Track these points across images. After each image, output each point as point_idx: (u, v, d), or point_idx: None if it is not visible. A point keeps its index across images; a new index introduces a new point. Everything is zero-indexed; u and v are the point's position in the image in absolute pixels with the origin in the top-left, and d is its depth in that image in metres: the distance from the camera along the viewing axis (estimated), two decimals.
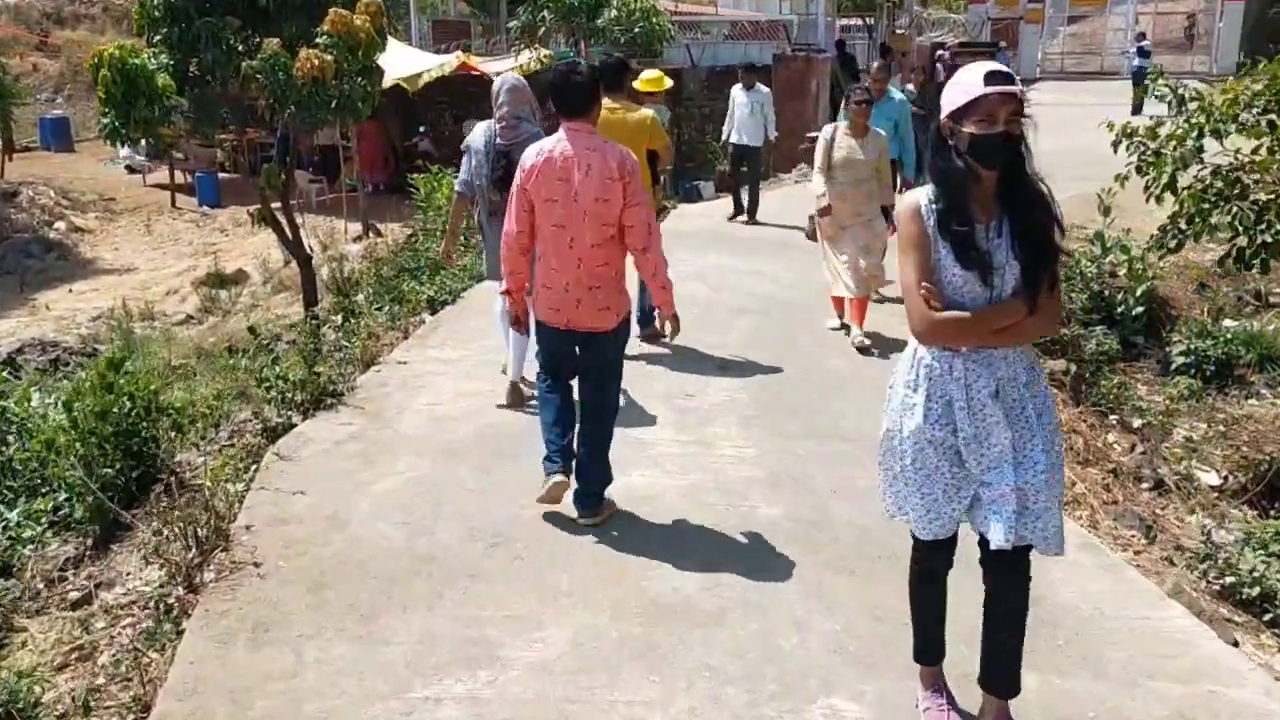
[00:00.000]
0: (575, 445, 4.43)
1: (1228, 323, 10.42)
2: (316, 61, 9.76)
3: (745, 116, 12.11)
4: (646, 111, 6.55)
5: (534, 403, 5.24)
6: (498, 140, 5.56)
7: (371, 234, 17.62)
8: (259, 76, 9.83)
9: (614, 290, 4.29)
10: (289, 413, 5.69)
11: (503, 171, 5.38)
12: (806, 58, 18.59)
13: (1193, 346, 9.66)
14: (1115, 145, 9.76)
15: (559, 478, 4.35)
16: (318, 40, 10.14)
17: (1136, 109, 23.03)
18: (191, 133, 15.48)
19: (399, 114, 21.77)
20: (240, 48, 10.52)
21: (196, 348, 14.16)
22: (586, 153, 4.12)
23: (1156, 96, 8.93)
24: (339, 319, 9.28)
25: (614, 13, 17.78)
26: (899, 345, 6.37)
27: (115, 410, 5.32)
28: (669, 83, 8.87)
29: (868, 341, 7.00)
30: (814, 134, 18.28)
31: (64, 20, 33.01)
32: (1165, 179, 9.15)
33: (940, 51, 25.64)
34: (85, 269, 19.13)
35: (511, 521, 4.46)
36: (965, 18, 29.34)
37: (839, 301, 7.36)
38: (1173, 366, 9.75)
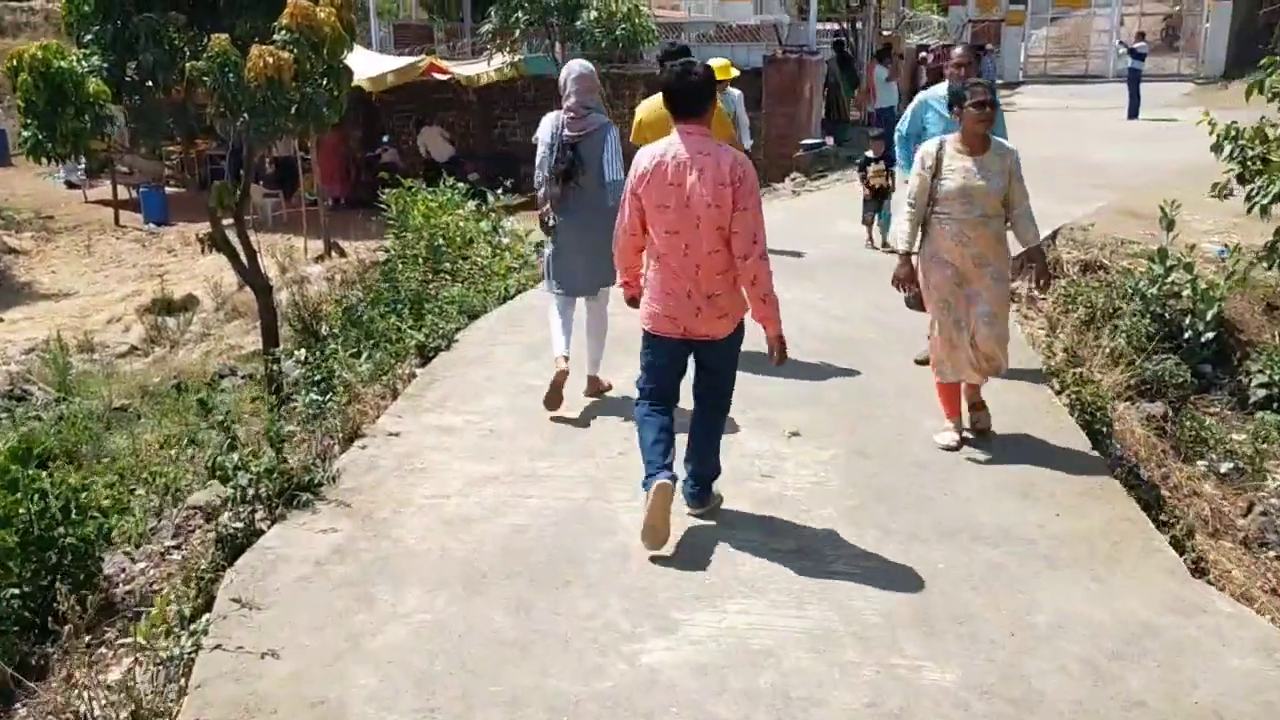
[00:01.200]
0: (687, 441, 4.35)
1: None
2: (272, 60, 8.37)
3: None
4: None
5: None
6: (565, 131, 5.35)
7: (334, 253, 16.17)
8: (206, 79, 8.41)
9: (732, 298, 4.18)
10: (252, 511, 4.32)
11: (567, 165, 5.30)
12: (799, 60, 17.40)
13: (1275, 377, 8.62)
14: (1217, 149, 8.68)
15: (664, 479, 4.10)
16: (275, 37, 8.75)
17: (1133, 113, 22.22)
18: (131, 146, 13.95)
19: (360, 122, 20.35)
20: (185, 47, 9.10)
21: (141, 386, 12.71)
22: (700, 156, 4.01)
23: (1272, 94, 7.91)
24: (308, 368, 7.91)
25: (594, 14, 16.51)
26: (1019, 441, 5.05)
27: (23, 513, 4.08)
28: (735, 71, 8.19)
29: (967, 438, 5.23)
30: (808, 141, 17.28)
31: (3, 29, 31.15)
32: (1277, 188, 8.09)
33: (924, 54, 24.69)
34: (19, 295, 17.46)
35: (577, 705, 3.14)
36: (946, 19, 28.39)
37: (949, 394, 5.26)
38: (1251, 400, 8.75)
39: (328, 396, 6.89)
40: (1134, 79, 21.97)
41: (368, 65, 17.17)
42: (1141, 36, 22.47)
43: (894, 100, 17.56)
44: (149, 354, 14.80)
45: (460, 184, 11.44)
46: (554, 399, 5.45)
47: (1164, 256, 9.31)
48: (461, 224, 10.26)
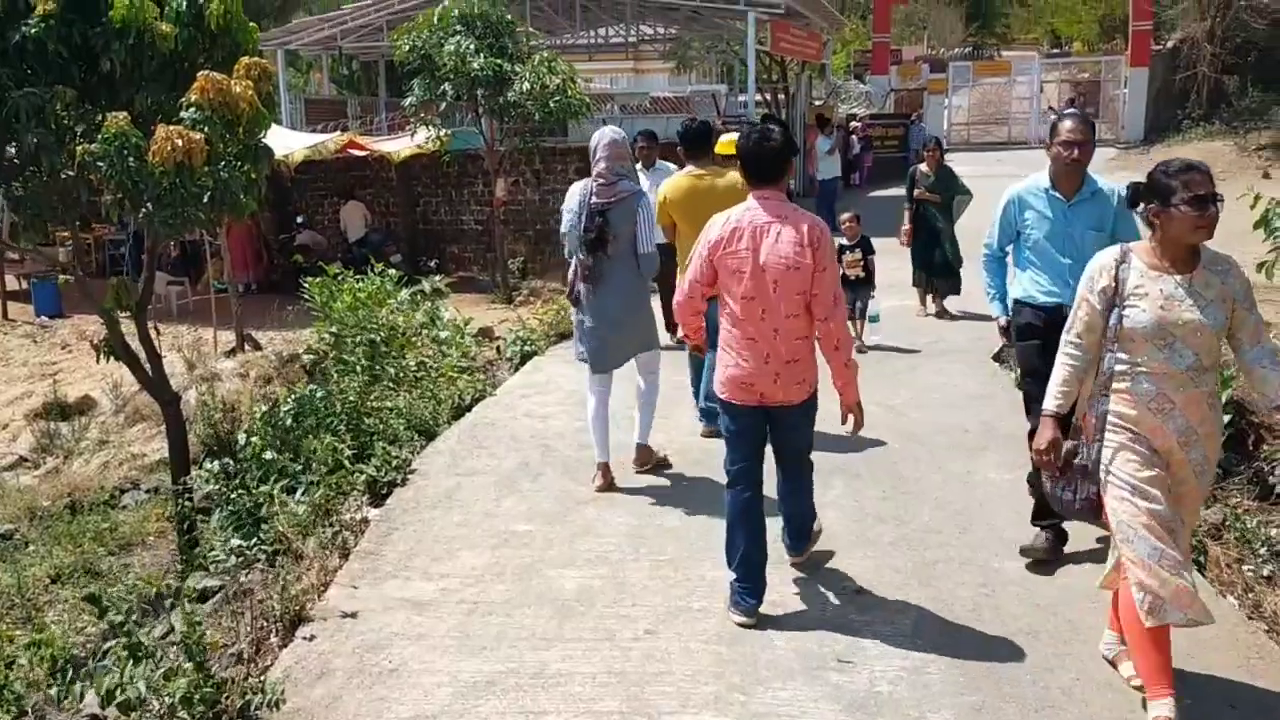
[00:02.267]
0: (778, 503, 4.36)
1: None
2: (181, 142, 7.19)
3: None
4: (734, 175, 5.72)
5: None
6: (593, 198, 5.23)
7: (248, 346, 14.79)
8: (100, 164, 7.18)
9: (810, 363, 4.15)
10: None
11: (596, 233, 5.18)
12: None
13: None
14: (1261, 225, 8.03)
15: (748, 619, 4.02)
16: (182, 115, 7.57)
17: None
18: (11, 237, 12.52)
19: (272, 202, 19.09)
20: (76, 126, 7.86)
21: (29, 506, 11.15)
22: (777, 220, 4.02)
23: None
24: (225, 495, 6.62)
25: (525, 85, 15.62)
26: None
27: None
28: None
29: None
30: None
31: None
32: None
33: (854, 123, 24.44)
34: None
35: None
36: (870, 89, 28.33)
37: (1159, 644, 3.30)
38: (1275, 490, 8.07)
39: (254, 543, 5.66)
40: None
41: (280, 142, 15.98)
42: (1072, 103, 22.49)
43: (836, 172, 17.00)
44: (40, 465, 13.19)
45: (391, 269, 10.30)
46: (604, 488, 5.38)
47: None
48: (400, 318, 9.14)
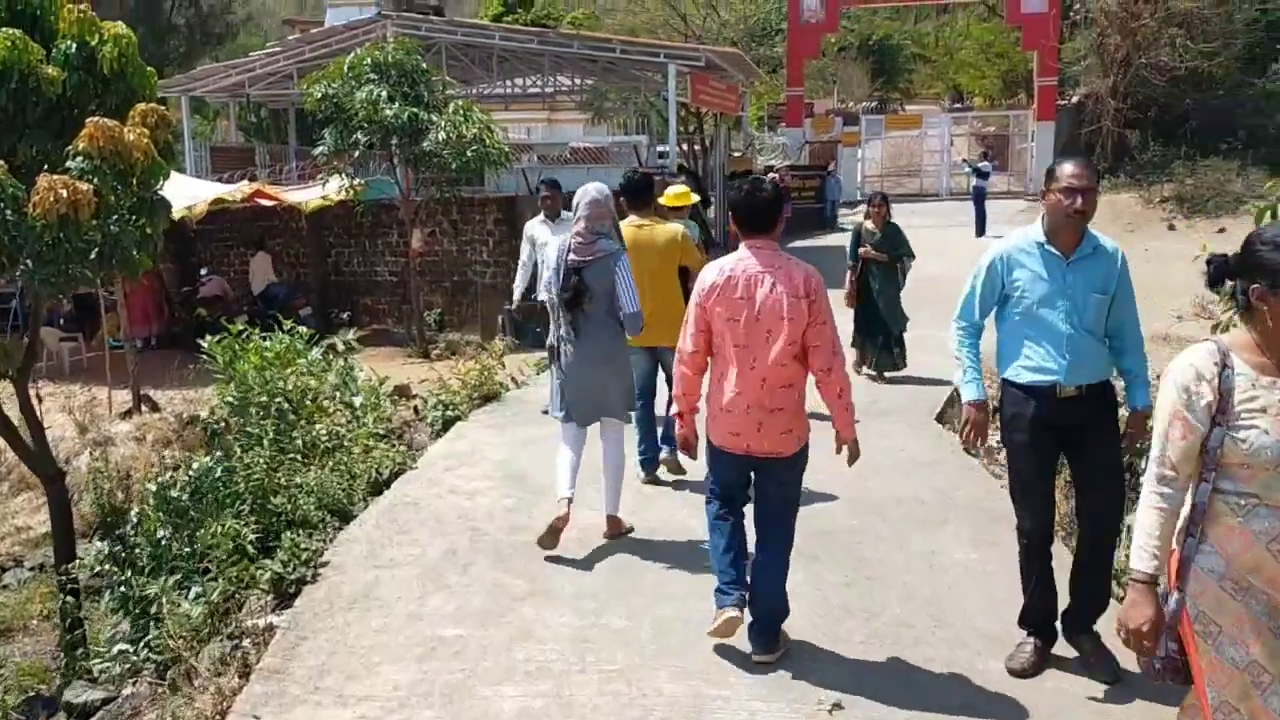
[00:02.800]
0: (750, 576, 4.18)
1: None
2: (66, 193, 6.54)
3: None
4: (676, 226, 6.36)
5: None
6: (570, 255, 5.17)
7: (145, 407, 13.87)
8: None
9: (797, 413, 4.12)
10: None
11: (573, 292, 5.14)
12: (663, 181, 16.43)
13: None
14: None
15: (734, 612, 4.10)
16: (69, 164, 6.93)
17: (980, 230, 22.41)
18: None
19: (174, 254, 18.20)
20: None
21: None
22: (770, 270, 4.02)
23: None
24: (112, 583, 5.92)
25: (442, 134, 15.16)
26: None
27: None
28: (696, 197, 8.05)
29: None
30: None
31: None
32: None
33: (771, 175, 24.48)
34: None
35: None
36: (786, 141, 28.51)
37: None
38: None
39: (142, 646, 5.01)
40: (979, 197, 22.22)
41: (184, 192, 15.22)
42: (985, 155, 22.81)
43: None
44: None
45: (300, 326, 9.64)
46: (551, 539, 5.17)
47: None
48: (310, 380, 8.48)
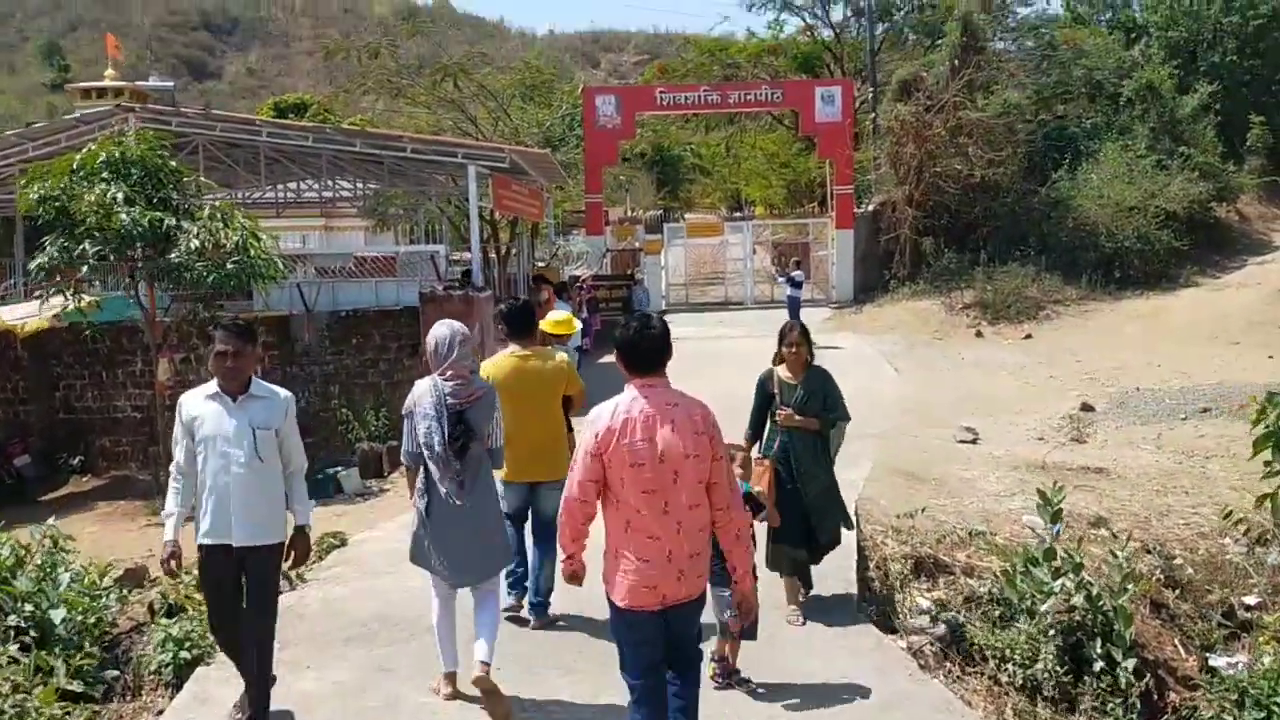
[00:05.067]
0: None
1: (1218, 662, 7.35)
2: None
3: None
4: (561, 355, 6.20)
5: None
6: (448, 400, 4.89)
7: None
8: None
9: (709, 554, 4.04)
10: None
11: (463, 438, 4.85)
12: (465, 297, 14.37)
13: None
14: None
15: None
16: None
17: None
18: None
19: None
20: None
21: None
22: (669, 408, 3.93)
23: None
24: None
25: (195, 243, 12.59)
26: None
27: None
28: (578, 324, 8.04)
29: None
30: None
31: None
32: None
33: (578, 285, 22.88)
34: None
35: None
36: (587, 249, 27.09)
37: None
38: None
39: None
40: (794, 306, 21.26)
41: None
42: (798, 265, 21.99)
43: (577, 342, 14.94)
44: None
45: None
46: (452, 697, 5.02)
47: (1051, 557, 6.98)
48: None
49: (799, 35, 35.94)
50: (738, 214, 53.71)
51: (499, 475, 5.38)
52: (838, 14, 34.90)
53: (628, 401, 3.93)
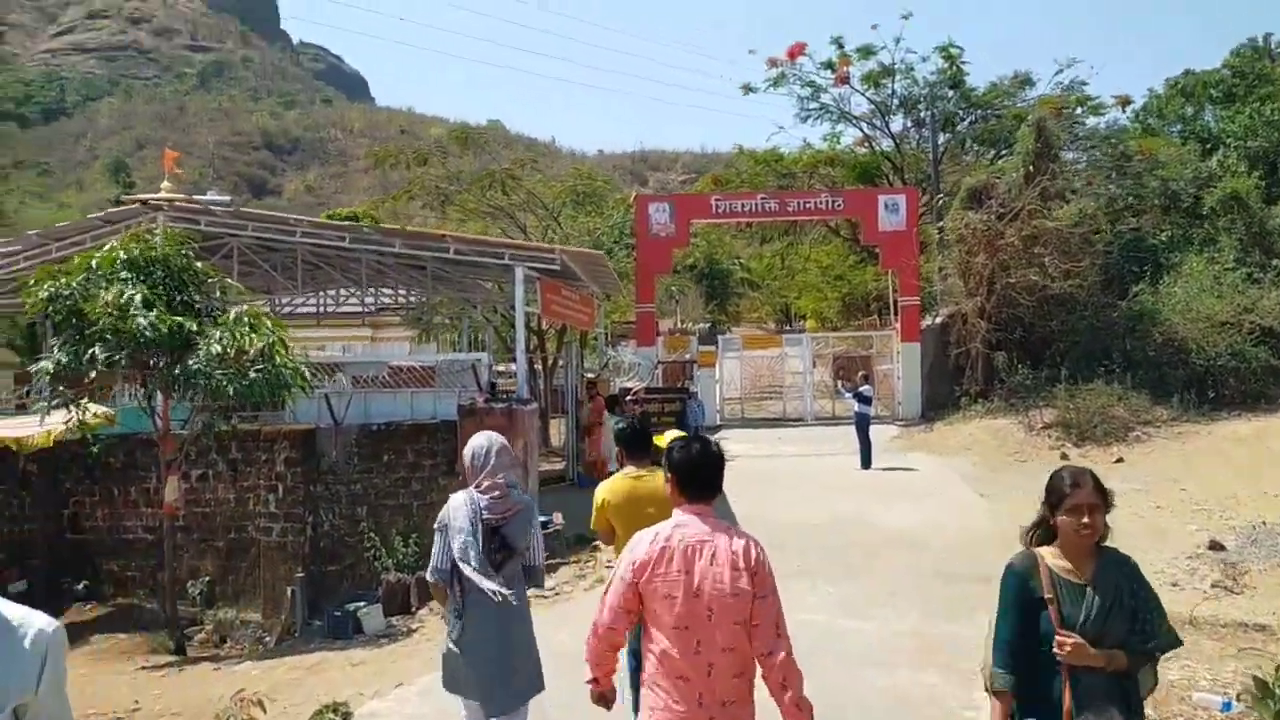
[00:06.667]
0: None
1: None
2: None
3: None
4: None
5: None
6: (484, 514, 4.77)
7: None
8: None
9: (747, 708, 3.64)
10: None
11: (501, 555, 4.75)
12: (508, 411, 12.99)
13: None
14: None
15: None
16: None
17: (866, 461, 19.77)
18: None
19: None
20: None
21: None
22: (710, 539, 3.66)
23: None
24: None
25: (216, 348, 11.40)
26: None
27: None
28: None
29: None
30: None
31: None
32: None
33: (628, 398, 21.53)
34: None
35: None
36: (639, 360, 25.79)
37: None
38: None
39: None
40: (863, 424, 19.66)
41: None
42: (866, 379, 20.42)
43: None
44: None
45: None
46: None
47: None
48: None
49: (857, 146, 35.09)
50: (787, 328, 52.53)
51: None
52: (897, 124, 34.06)
53: (669, 529, 3.74)
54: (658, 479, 5.48)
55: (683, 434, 6.61)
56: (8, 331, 28.47)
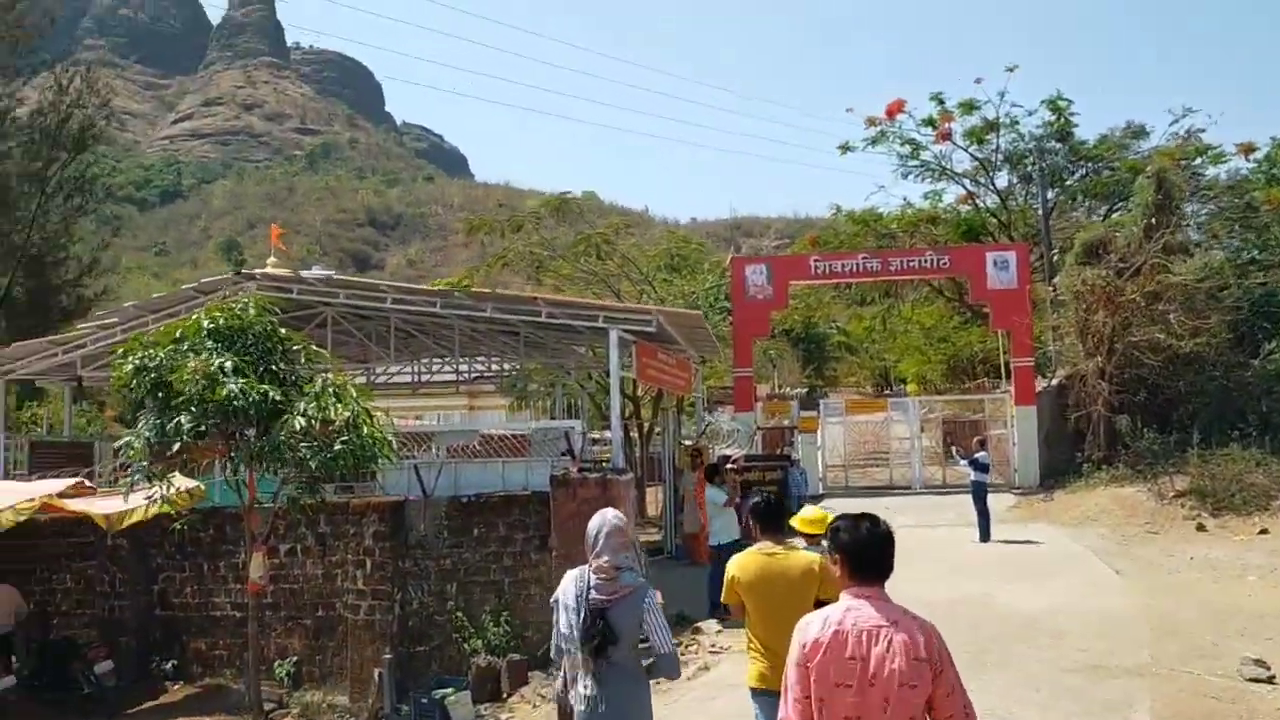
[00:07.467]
0: None
1: None
2: None
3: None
4: (814, 555, 5.62)
5: None
6: (591, 593, 4.63)
7: None
8: None
9: None
10: None
11: (600, 637, 4.54)
12: (602, 481, 12.28)
13: None
14: None
15: None
16: None
17: (985, 534, 18.51)
18: None
19: None
20: None
21: None
22: (888, 626, 3.49)
23: None
24: None
25: (300, 420, 10.98)
26: None
27: None
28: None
29: None
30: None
31: None
32: None
33: (729, 465, 20.65)
34: None
35: None
36: (738, 427, 24.95)
37: None
38: None
39: None
40: (980, 494, 18.43)
41: None
42: (983, 444, 19.20)
43: (735, 533, 12.63)
44: None
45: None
46: None
47: None
48: None
49: (960, 204, 33.98)
50: (887, 392, 50.97)
51: (747, 683, 5.32)
52: (1001, 180, 32.91)
53: (840, 612, 3.59)
54: (791, 558, 5.53)
55: (821, 510, 6.52)
56: (117, 406, 29.01)
